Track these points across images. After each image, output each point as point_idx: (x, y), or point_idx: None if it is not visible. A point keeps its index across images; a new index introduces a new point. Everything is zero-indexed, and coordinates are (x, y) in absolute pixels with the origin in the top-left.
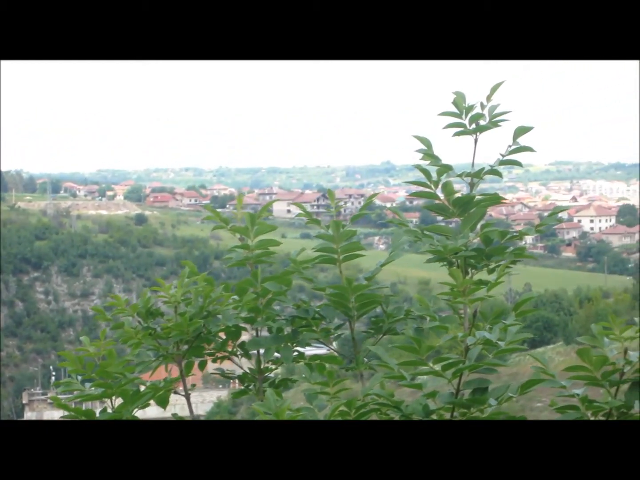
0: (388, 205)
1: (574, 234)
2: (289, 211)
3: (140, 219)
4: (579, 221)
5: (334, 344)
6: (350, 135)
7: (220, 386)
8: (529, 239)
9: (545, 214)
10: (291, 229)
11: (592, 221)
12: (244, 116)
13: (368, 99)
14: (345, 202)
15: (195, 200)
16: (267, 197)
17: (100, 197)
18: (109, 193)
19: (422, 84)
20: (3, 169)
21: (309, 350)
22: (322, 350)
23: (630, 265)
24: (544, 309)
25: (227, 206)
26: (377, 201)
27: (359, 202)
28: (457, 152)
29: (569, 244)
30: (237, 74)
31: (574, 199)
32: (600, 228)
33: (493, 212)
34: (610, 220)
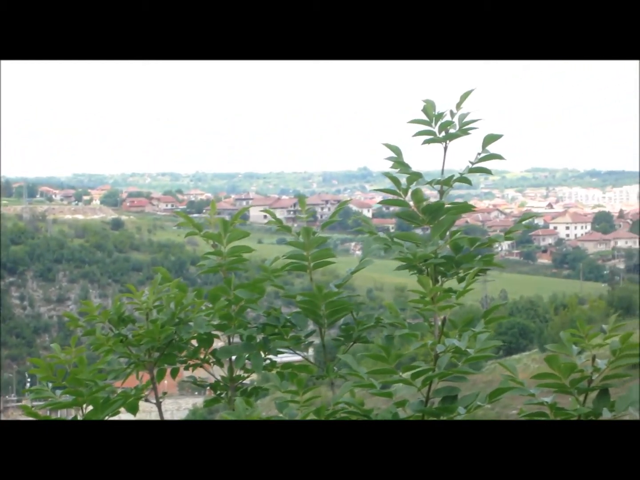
0: (365, 211)
1: (549, 240)
2: (265, 217)
3: (117, 224)
4: (555, 228)
5: (310, 351)
6: (327, 140)
7: (196, 393)
8: (505, 246)
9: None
10: (268, 234)
11: (567, 228)
12: (221, 122)
13: (345, 105)
14: (322, 208)
15: (172, 205)
16: (244, 203)
17: (76, 202)
18: (86, 197)
19: (400, 88)
20: None
21: (286, 357)
22: (298, 358)
23: (605, 272)
24: (520, 316)
25: (204, 211)
26: (353, 207)
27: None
28: (434, 158)
29: (544, 251)
30: (213, 81)
31: (550, 205)
32: (575, 235)
33: (469, 218)
34: (585, 227)
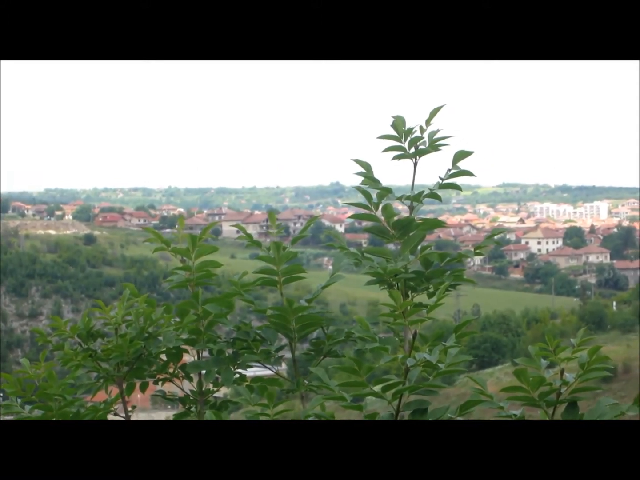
0: (337, 226)
1: (521, 255)
2: (238, 232)
3: (89, 239)
4: (527, 243)
5: (284, 365)
6: (299, 155)
7: (169, 407)
8: (477, 260)
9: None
10: (240, 249)
11: (539, 243)
12: (193, 136)
13: (317, 119)
14: (295, 223)
15: (144, 220)
16: (216, 218)
17: (48, 217)
18: (58, 213)
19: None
20: None
21: (261, 372)
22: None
23: (577, 287)
24: (492, 330)
25: (176, 226)
26: (326, 222)
27: None
28: (409, 172)
29: (516, 266)
30: (182, 95)
31: (522, 220)
32: (547, 250)
33: (441, 233)
34: (557, 242)
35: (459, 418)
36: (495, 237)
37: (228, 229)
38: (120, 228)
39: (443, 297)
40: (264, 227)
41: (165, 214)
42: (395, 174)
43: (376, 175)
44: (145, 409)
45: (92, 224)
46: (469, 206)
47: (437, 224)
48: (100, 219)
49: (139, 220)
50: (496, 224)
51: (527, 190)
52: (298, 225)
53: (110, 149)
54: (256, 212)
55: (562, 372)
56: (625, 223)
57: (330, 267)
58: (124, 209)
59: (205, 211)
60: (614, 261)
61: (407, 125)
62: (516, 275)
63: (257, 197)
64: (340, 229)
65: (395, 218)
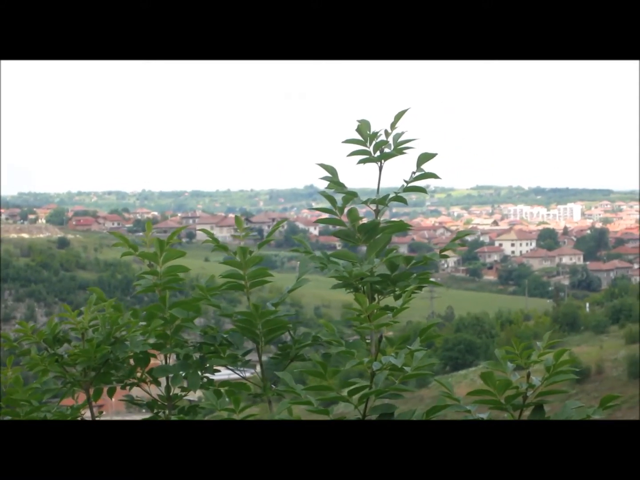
0: (311, 229)
1: (495, 257)
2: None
3: (63, 243)
4: (500, 245)
5: (258, 368)
6: (273, 158)
7: (144, 410)
8: (451, 263)
9: (467, 237)
10: (215, 253)
11: (513, 245)
12: (167, 139)
13: (291, 123)
14: (269, 226)
15: (118, 224)
16: (190, 221)
17: (22, 221)
18: (31, 216)
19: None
20: None
21: (233, 375)
22: (246, 374)
23: (550, 288)
24: (466, 332)
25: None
26: (300, 225)
27: (283, 226)
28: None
29: (490, 268)
30: (157, 96)
31: (495, 222)
32: (521, 252)
33: (415, 236)
34: (530, 244)
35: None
36: (465, 238)
37: (202, 232)
38: (94, 232)
39: (409, 300)
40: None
41: (140, 217)
42: (366, 177)
43: (348, 179)
44: (119, 412)
45: (65, 227)
46: (443, 208)
47: (403, 226)
48: (74, 222)
49: (113, 224)
50: (470, 226)
51: (500, 192)
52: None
53: (85, 152)
54: (230, 215)
55: (528, 375)
56: (599, 225)
57: None
58: (98, 213)
59: (179, 214)
60: (587, 263)
61: (386, 128)
62: (490, 277)
63: (232, 200)
64: (314, 231)
65: (360, 222)
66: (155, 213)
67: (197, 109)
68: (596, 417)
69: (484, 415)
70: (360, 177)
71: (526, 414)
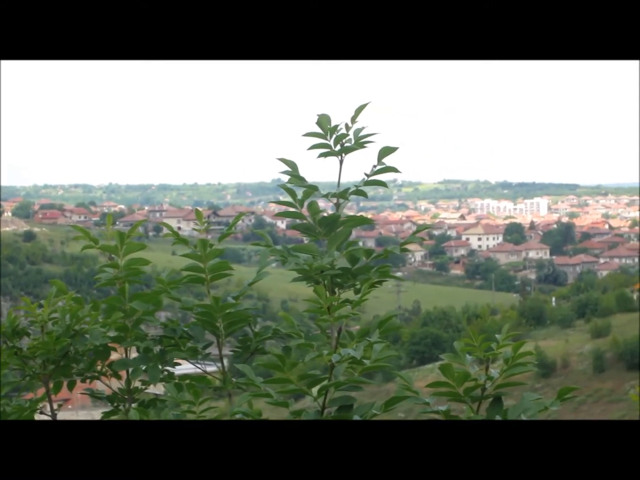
0: (279, 223)
1: (462, 251)
2: (179, 228)
3: (29, 236)
4: (467, 239)
5: (225, 361)
6: (241, 152)
7: (116, 404)
8: (418, 257)
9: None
10: (181, 246)
11: (480, 239)
12: (134, 132)
13: (258, 116)
14: None
15: (85, 217)
16: (157, 214)
17: None
18: None
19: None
20: None
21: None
22: (211, 368)
23: (517, 283)
24: (433, 326)
25: (117, 223)
26: (267, 218)
27: (250, 220)
28: (349, 169)
29: (457, 262)
30: (122, 89)
31: (462, 217)
32: (487, 246)
33: (383, 230)
34: (497, 238)
35: (401, 415)
36: (433, 232)
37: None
38: (61, 225)
39: (368, 293)
40: (205, 224)
41: (106, 210)
42: (332, 172)
43: (314, 173)
44: (85, 406)
45: (32, 221)
46: (410, 203)
47: (363, 220)
48: (40, 215)
49: (80, 217)
50: (437, 220)
51: (468, 186)
52: (239, 222)
53: (51, 146)
54: (197, 208)
55: (487, 367)
56: (565, 219)
57: (272, 264)
58: (64, 206)
59: (146, 208)
60: (554, 257)
61: (346, 122)
62: (457, 271)
63: (199, 194)
64: (282, 225)
65: (320, 215)
66: (122, 206)
67: (165, 103)
68: (554, 408)
69: (442, 408)
70: (326, 171)
71: (484, 406)
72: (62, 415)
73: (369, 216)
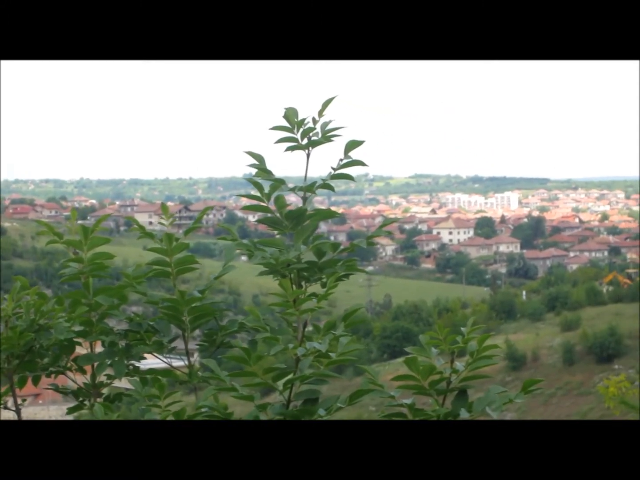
0: (250, 217)
1: (433, 245)
2: (150, 223)
3: None
4: (438, 233)
5: (195, 356)
6: (212, 147)
7: (82, 399)
8: (389, 251)
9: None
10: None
11: (450, 233)
12: (105, 126)
13: (229, 111)
14: (207, 214)
15: (56, 212)
16: (129, 209)
17: None
18: None
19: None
20: None
21: (161, 364)
22: (179, 363)
23: (487, 277)
24: (404, 320)
25: (89, 218)
26: (239, 213)
27: (221, 214)
28: (317, 163)
29: (428, 256)
30: (93, 83)
31: (434, 211)
32: (458, 240)
33: (354, 224)
34: (468, 232)
35: (373, 408)
36: (404, 226)
37: (142, 220)
38: (31, 220)
39: (334, 287)
40: (177, 219)
41: (77, 205)
42: (300, 166)
43: (283, 167)
44: (56, 401)
45: (2, 215)
46: (382, 197)
47: (330, 214)
48: (11, 210)
49: (51, 212)
50: (408, 215)
51: (439, 181)
52: (211, 216)
53: (22, 140)
54: (169, 203)
55: (452, 360)
56: (535, 213)
57: (244, 257)
58: (35, 201)
59: (117, 202)
60: (524, 251)
61: (314, 116)
62: (428, 265)
63: (170, 189)
64: (252, 219)
65: (287, 209)
66: (94, 201)
67: (136, 98)
68: (518, 401)
69: (407, 401)
70: (298, 166)
71: (450, 399)
72: (32, 410)
73: (340, 211)
